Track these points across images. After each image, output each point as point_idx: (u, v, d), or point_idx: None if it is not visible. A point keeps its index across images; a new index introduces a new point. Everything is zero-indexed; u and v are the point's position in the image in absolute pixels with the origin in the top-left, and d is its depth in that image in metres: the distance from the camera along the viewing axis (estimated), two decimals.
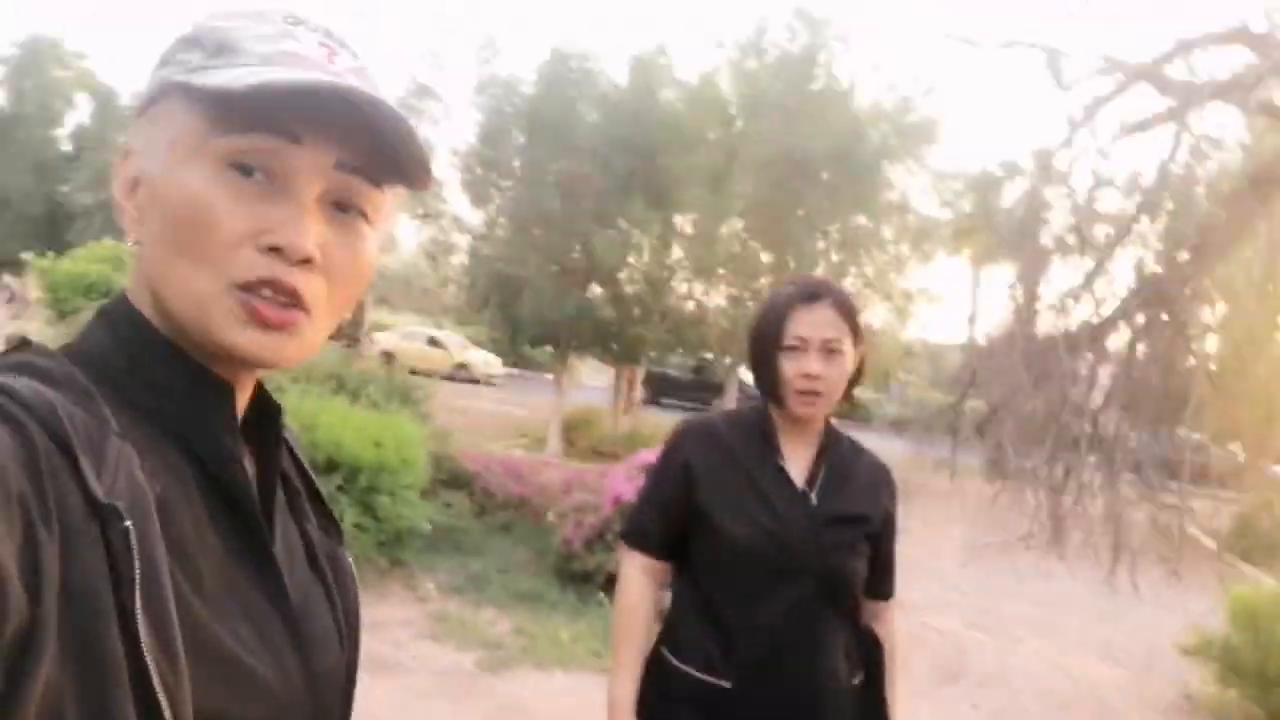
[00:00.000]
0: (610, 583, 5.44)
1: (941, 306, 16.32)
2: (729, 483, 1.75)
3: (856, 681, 1.77)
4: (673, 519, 1.79)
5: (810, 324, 1.72)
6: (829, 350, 1.71)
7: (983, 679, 6.66)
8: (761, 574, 1.70)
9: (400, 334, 24.68)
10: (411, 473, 6.71)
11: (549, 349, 17.51)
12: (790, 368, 1.72)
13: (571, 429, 15.64)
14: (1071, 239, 5.38)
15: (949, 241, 19.67)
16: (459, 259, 16.43)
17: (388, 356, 19.10)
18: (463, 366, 23.35)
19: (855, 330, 1.76)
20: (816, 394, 1.71)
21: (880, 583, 1.86)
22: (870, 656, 1.79)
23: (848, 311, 1.75)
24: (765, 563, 1.70)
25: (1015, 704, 6.23)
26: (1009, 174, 17.95)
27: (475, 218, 15.85)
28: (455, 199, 15.82)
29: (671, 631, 1.80)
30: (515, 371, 25.89)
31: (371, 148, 0.68)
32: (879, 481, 1.85)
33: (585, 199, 14.12)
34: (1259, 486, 13.71)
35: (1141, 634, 8.24)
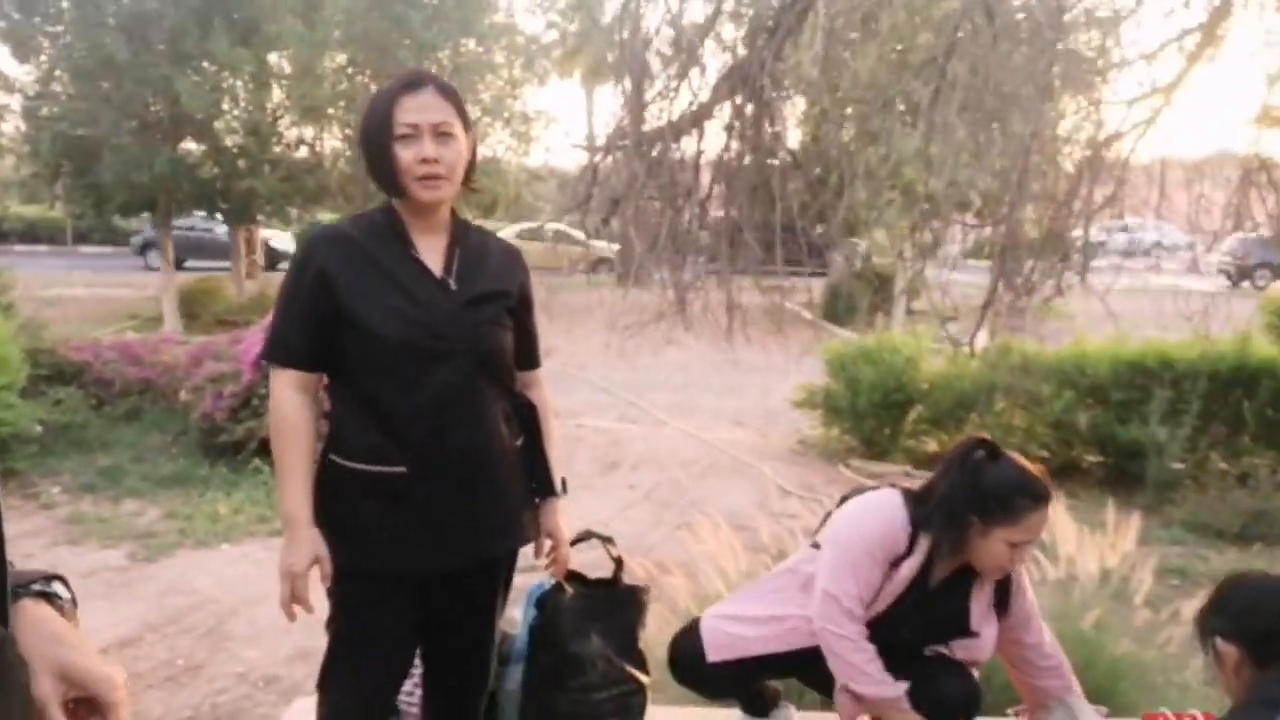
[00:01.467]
0: (265, 448, 5.20)
1: (561, 128, 16.60)
2: (368, 282, 1.74)
3: (519, 443, 1.89)
4: (316, 329, 1.75)
5: (418, 109, 1.71)
6: (440, 133, 1.72)
7: (637, 462, 7.34)
8: (416, 363, 1.74)
9: None
10: (4, 373, 5.88)
11: (146, 215, 15.63)
12: (406, 155, 1.71)
13: (190, 302, 14.32)
14: (669, 49, 5.66)
15: (561, 63, 19.82)
16: (12, 124, 13.89)
17: None
18: None
19: (463, 116, 1.78)
20: (438, 177, 1.73)
21: (527, 354, 1.96)
22: (527, 420, 1.91)
23: (452, 96, 1.76)
24: (418, 352, 1.73)
25: (666, 477, 6.96)
26: None
27: (24, 73, 13.34)
28: None
29: (336, 437, 1.80)
30: (109, 249, 22.93)
31: None
32: (512, 260, 1.92)
33: (157, 39, 12.38)
34: (843, 264, 15.79)
35: (762, 400, 9.51)
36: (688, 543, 3.48)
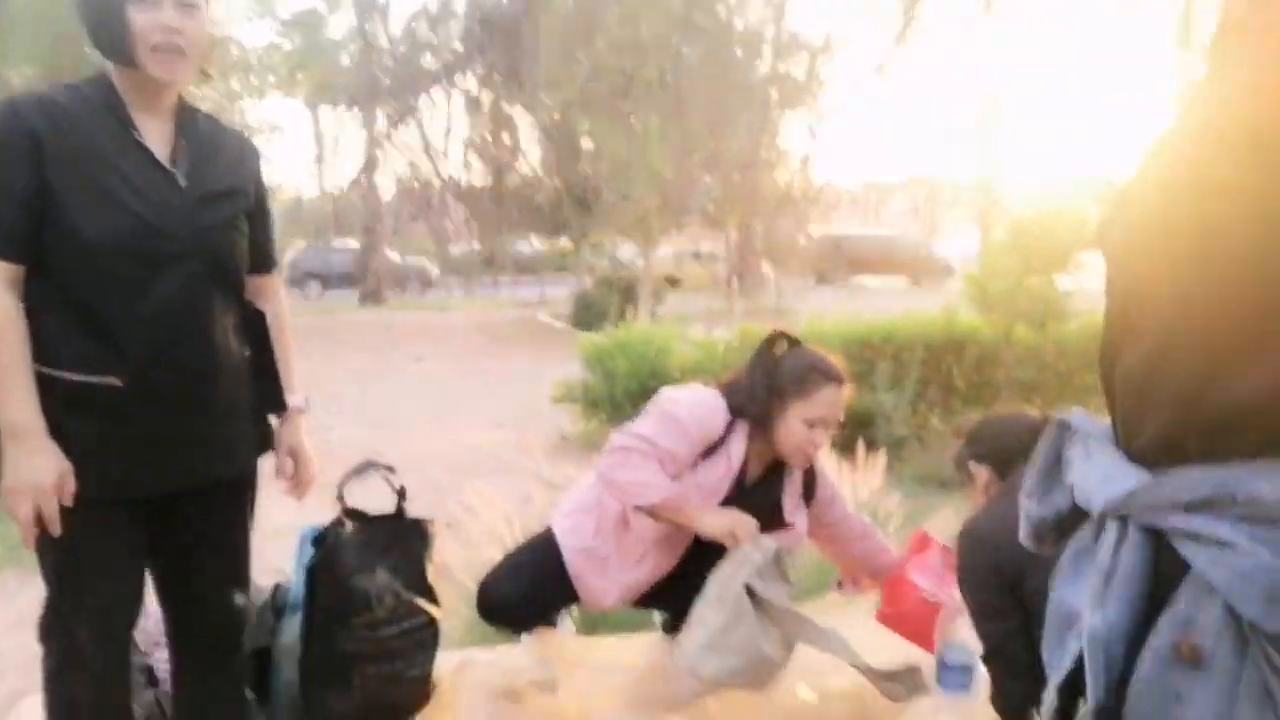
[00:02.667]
0: None
1: (288, 142, 15.91)
2: (84, 164, 1.51)
3: (247, 354, 1.74)
4: (27, 208, 1.49)
5: None
6: (185, 4, 1.55)
7: (397, 470, 7.04)
8: (137, 265, 1.54)
9: None
10: None
11: None
12: (143, 19, 1.52)
13: None
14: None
15: (285, 79, 18.90)
16: None
17: None
18: None
19: None
20: (178, 51, 1.54)
21: (262, 256, 1.80)
22: (256, 329, 1.76)
23: None
24: (140, 253, 1.54)
25: (427, 480, 6.70)
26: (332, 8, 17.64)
27: None
28: None
29: (37, 342, 1.54)
30: None
31: None
32: (246, 151, 1.76)
33: None
34: (589, 269, 16.12)
35: (519, 403, 9.46)
36: (463, 521, 3.38)
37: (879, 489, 3.78)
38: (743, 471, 2.23)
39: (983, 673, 1.94)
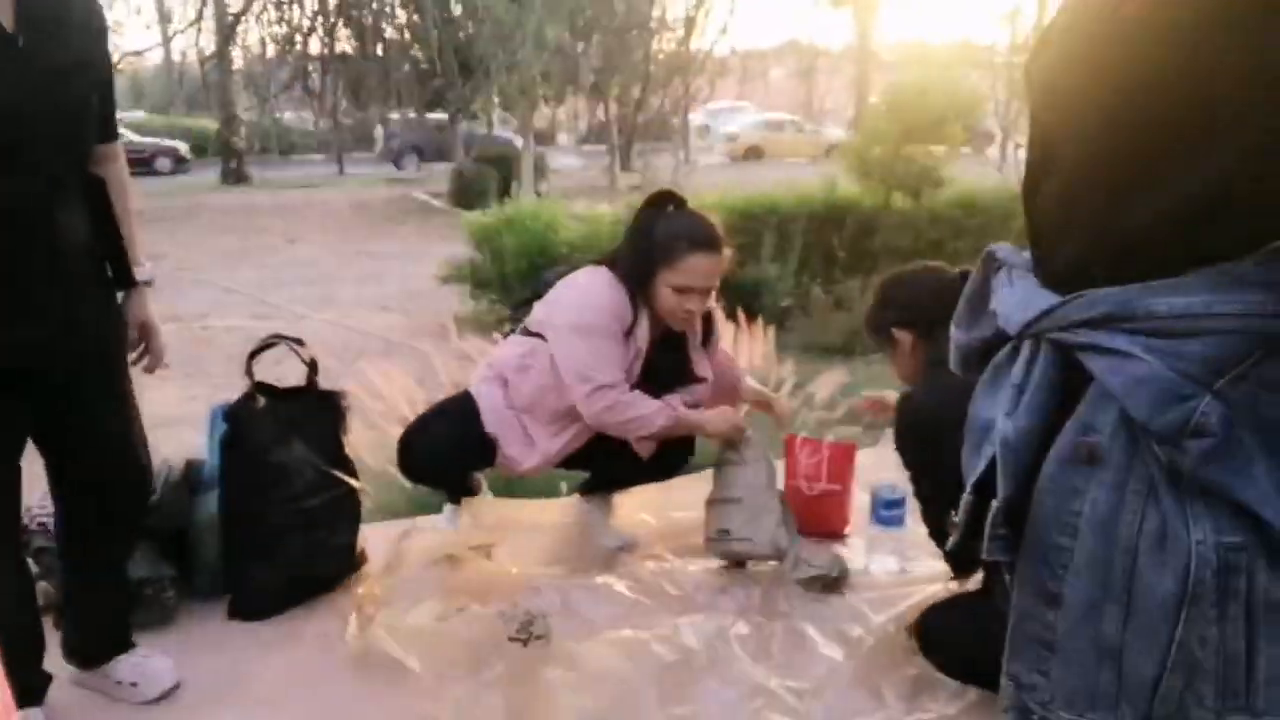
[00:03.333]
0: None
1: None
2: None
3: (89, 231, 1.63)
4: None
5: None
6: None
7: (279, 357, 6.82)
8: None
9: None
10: None
11: None
12: None
13: None
14: None
15: None
16: None
17: None
18: None
19: None
20: None
21: (105, 126, 1.67)
22: (97, 202, 1.63)
23: None
24: None
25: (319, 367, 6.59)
26: None
27: None
28: None
29: None
30: None
31: None
32: (92, 11, 1.60)
33: None
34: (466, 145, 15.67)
35: (404, 283, 9.25)
36: (364, 402, 3.35)
37: (768, 355, 3.92)
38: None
39: (913, 505, 2.06)
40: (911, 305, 1.91)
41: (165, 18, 18.01)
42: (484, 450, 2.25)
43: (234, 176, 18.91)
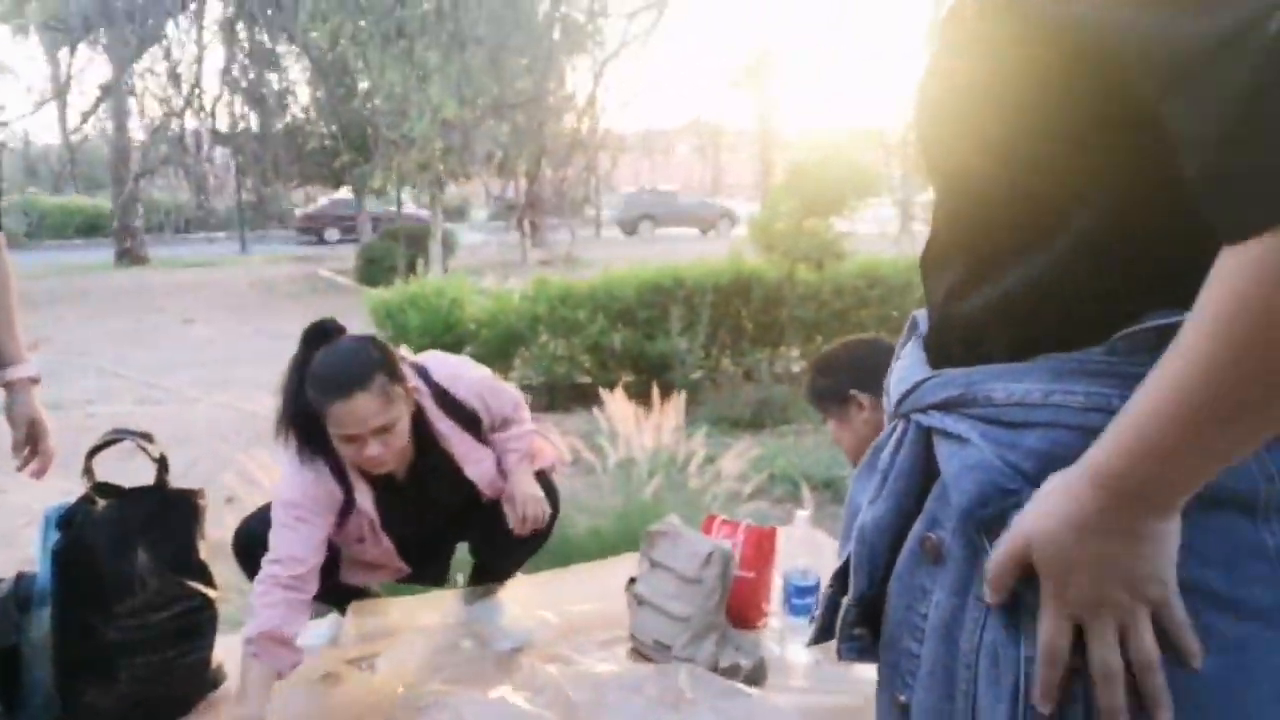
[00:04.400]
0: None
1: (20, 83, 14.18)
2: None
3: None
4: None
5: None
6: None
7: (166, 444, 6.44)
8: None
9: None
10: None
11: None
12: None
13: None
14: None
15: (11, 9, 16.79)
16: None
17: None
18: None
19: None
20: None
21: None
22: None
23: None
24: None
25: (204, 452, 6.24)
26: None
27: None
28: None
29: None
30: None
31: None
32: None
33: None
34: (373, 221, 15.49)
35: None
36: (243, 494, 3.14)
37: (678, 431, 3.83)
38: (391, 484, 2.04)
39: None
40: (861, 367, 1.88)
41: (60, 93, 17.50)
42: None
43: (129, 257, 18.28)
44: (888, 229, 11.01)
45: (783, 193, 7.48)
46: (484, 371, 2.25)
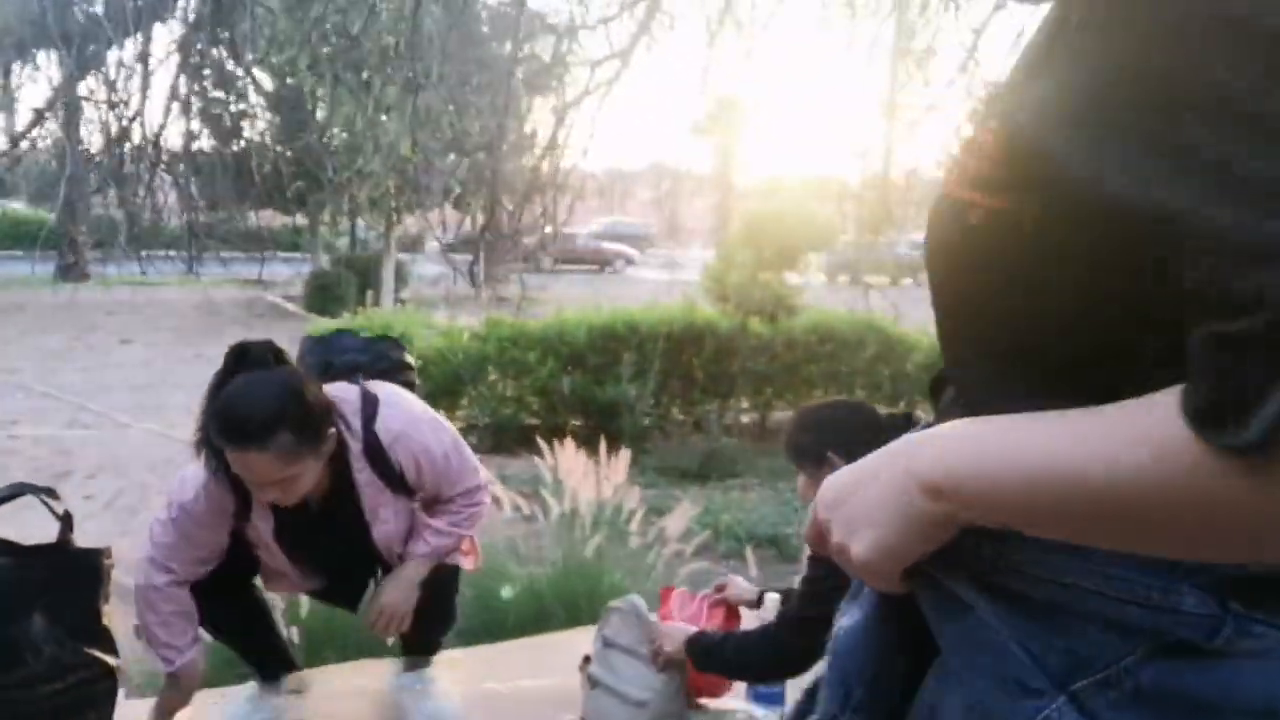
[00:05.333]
0: None
1: None
2: None
3: None
4: None
5: None
6: None
7: (93, 471, 6.26)
8: None
9: None
10: None
11: None
12: None
13: None
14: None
15: None
16: None
17: None
18: None
19: None
20: None
21: None
22: None
23: None
24: None
25: (131, 482, 6.03)
26: None
27: None
28: None
29: None
30: None
31: None
32: None
33: None
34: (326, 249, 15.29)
35: None
36: None
37: (621, 484, 3.73)
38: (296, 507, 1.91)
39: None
40: (841, 429, 1.86)
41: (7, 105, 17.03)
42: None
43: (71, 271, 17.75)
44: (838, 279, 11.12)
45: (738, 243, 7.51)
46: (446, 440, 2.03)
